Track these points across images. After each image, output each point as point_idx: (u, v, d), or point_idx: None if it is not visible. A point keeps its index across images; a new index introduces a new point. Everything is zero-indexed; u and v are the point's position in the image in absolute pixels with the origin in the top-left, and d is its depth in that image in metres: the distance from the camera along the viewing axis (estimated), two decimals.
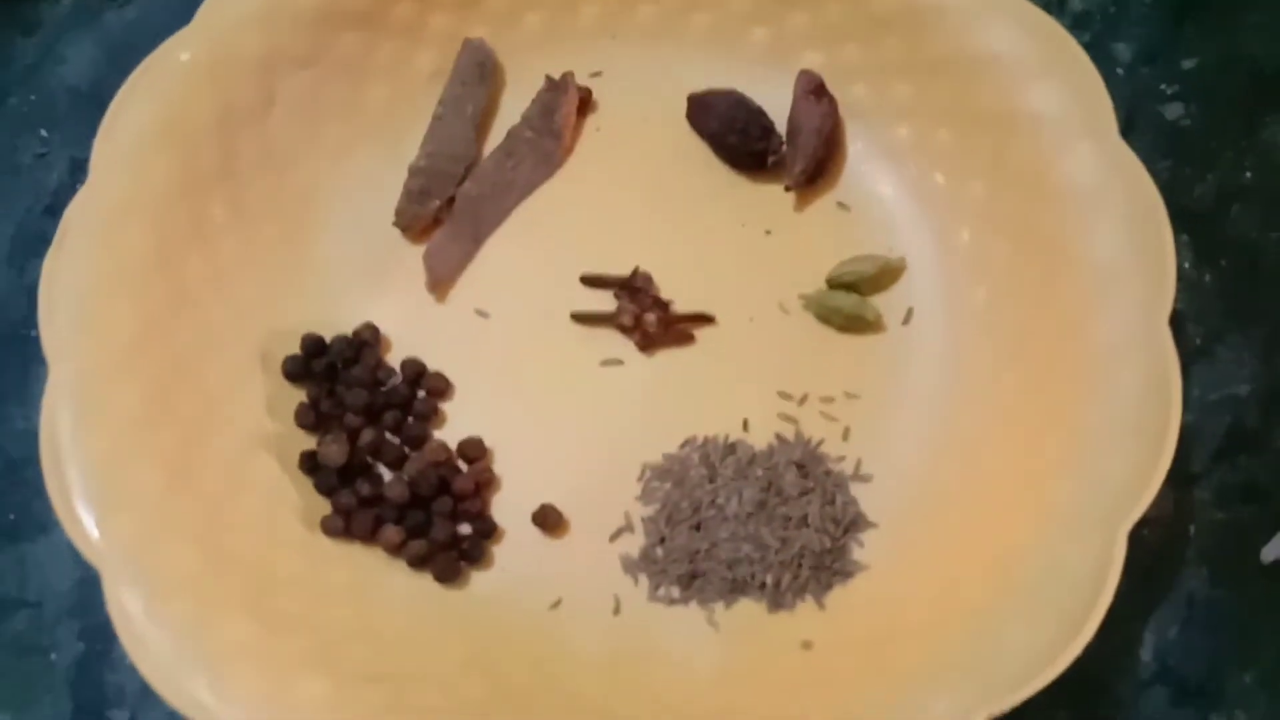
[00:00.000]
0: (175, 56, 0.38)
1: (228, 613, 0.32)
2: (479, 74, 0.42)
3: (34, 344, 0.41)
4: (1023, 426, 0.35)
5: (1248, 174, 0.42)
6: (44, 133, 0.45)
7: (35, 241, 0.43)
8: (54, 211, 0.44)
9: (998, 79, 0.38)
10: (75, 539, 0.32)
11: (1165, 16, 0.45)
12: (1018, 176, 0.38)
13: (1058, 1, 0.46)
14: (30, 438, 0.39)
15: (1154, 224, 0.35)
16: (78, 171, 0.44)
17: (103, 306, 0.35)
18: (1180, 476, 0.38)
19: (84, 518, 0.32)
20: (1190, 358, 0.39)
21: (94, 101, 0.45)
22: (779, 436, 0.38)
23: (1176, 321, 0.39)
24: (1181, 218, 0.41)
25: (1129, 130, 0.43)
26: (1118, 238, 0.35)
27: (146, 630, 0.31)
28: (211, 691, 0.30)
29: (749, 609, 0.36)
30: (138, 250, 0.36)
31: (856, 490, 0.37)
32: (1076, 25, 0.46)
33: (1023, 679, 0.30)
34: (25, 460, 0.39)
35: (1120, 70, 0.44)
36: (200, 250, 0.38)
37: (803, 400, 0.39)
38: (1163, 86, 0.44)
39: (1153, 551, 0.37)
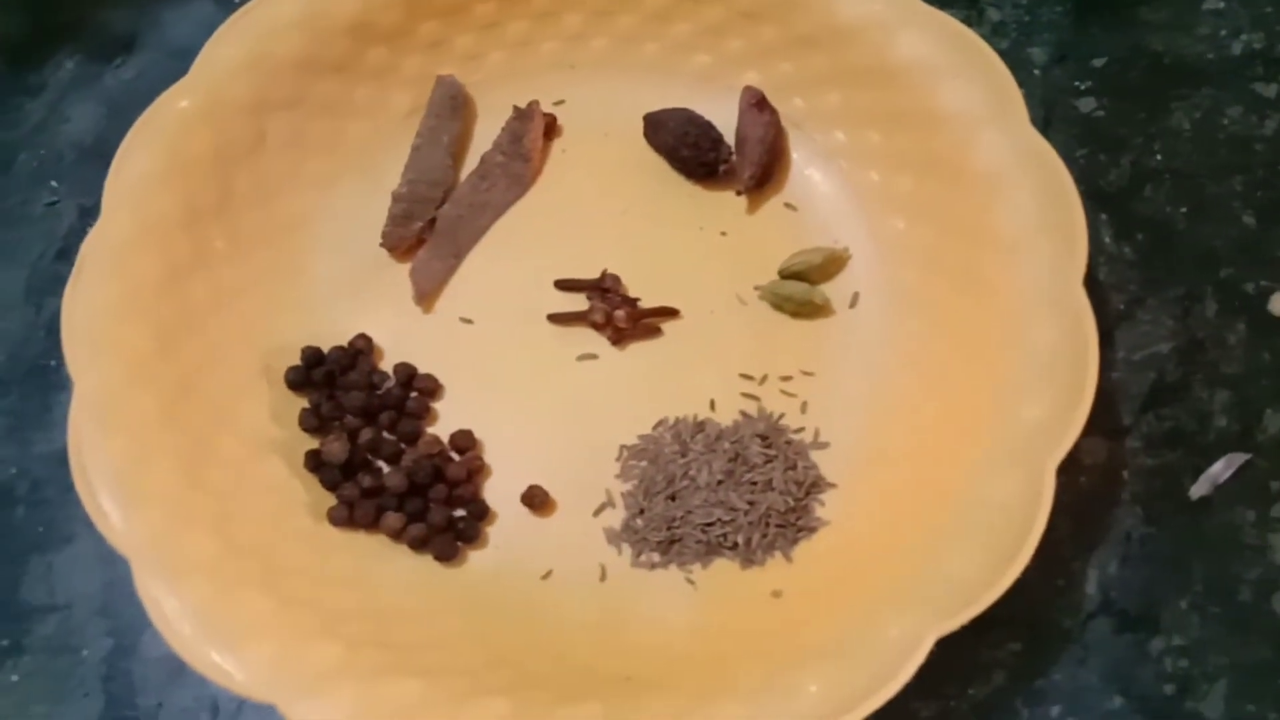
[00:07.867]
0: (175, 104, 0.42)
1: (244, 591, 0.35)
2: (451, 107, 0.46)
3: (53, 374, 0.44)
4: (955, 387, 0.38)
5: (1157, 156, 0.46)
6: (54, 183, 0.49)
7: (50, 282, 0.46)
8: (65, 255, 0.47)
9: (914, 82, 0.41)
10: (104, 531, 0.35)
11: (1074, 20, 0.49)
12: (940, 168, 0.41)
13: (977, 14, 0.51)
14: (51, 459, 0.43)
15: (1063, 197, 0.38)
16: (86, 217, 0.48)
17: (118, 327, 0.38)
18: (1112, 428, 0.41)
19: (111, 512, 0.35)
20: (1114, 322, 0.43)
21: (98, 155, 0.48)
22: (743, 413, 0.41)
23: (1099, 290, 0.43)
24: (1099, 199, 0.45)
25: (1047, 125, 0.47)
26: (1030, 212, 0.38)
27: (172, 608, 0.34)
28: (233, 658, 0.33)
29: (724, 567, 0.39)
30: (147, 277, 0.40)
31: (816, 456, 0.40)
32: (994, 34, 0.50)
33: (966, 603, 0.33)
34: (48, 479, 0.42)
35: (1037, 71, 0.48)
36: (203, 275, 0.41)
37: (763, 380, 0.42)
38: (1076, 83, 0.48)
39: (1091, 496, 0.40)
